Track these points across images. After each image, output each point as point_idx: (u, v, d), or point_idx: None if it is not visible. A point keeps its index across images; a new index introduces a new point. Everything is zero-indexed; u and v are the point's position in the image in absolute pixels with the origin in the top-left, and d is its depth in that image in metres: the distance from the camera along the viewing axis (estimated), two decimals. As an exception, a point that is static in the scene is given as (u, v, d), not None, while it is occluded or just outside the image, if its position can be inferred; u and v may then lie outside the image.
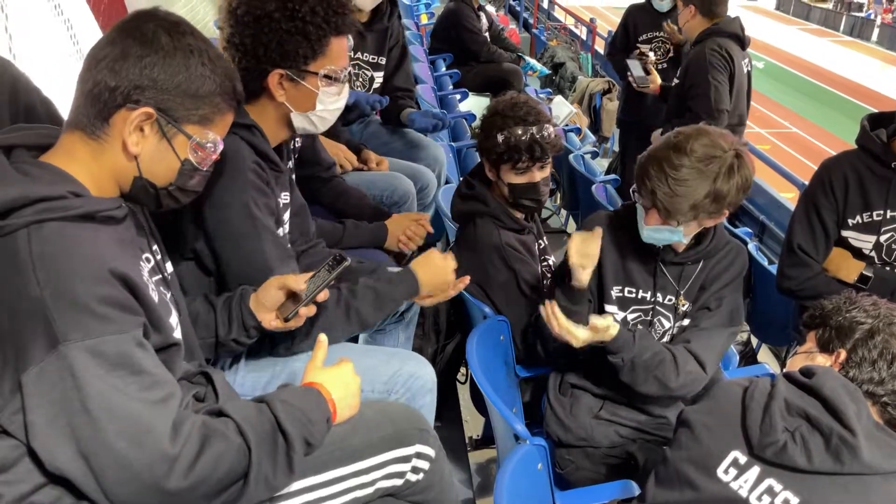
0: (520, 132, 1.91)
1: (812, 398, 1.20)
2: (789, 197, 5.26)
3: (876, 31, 25.15)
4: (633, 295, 1.82)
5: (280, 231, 1.62)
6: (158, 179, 1.18)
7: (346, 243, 2.08)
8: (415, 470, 1.32)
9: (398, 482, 1.31)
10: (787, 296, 2.31)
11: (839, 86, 18.30)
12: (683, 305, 1.80)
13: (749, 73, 3.45)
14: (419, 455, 1.32)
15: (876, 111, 2.26)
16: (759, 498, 1.20)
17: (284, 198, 1.67)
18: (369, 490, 1.28)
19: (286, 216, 1.70)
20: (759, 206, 5.14)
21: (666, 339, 1.82)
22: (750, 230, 4.25)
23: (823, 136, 14.33)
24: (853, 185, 2.11)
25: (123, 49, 1.10)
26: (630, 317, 1.83)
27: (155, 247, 1.26)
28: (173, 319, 1.24)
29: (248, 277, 1.49)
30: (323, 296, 1.41)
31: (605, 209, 3.26)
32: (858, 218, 2.13)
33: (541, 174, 1.99)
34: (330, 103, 1.59)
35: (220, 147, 1.22)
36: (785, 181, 4.94)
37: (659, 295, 1.81)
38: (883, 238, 2.14)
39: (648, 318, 1.82)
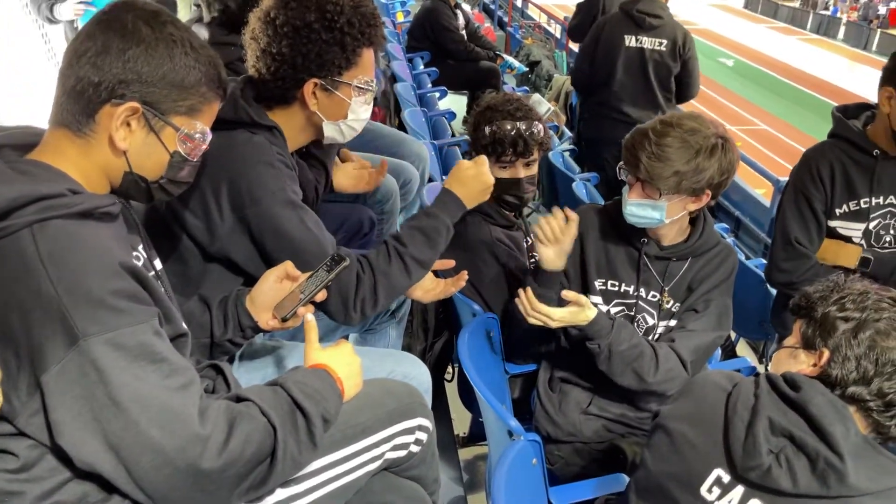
0: (508, 126, 1.93)
1: (797, 415, 1.16)
2: (762, 192, 5.36)
3: (842, 29, 25.59)
4: (617, 288, 1.83)
5: None
6: (149, 173, 1.17)
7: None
8: (417, 442, 1.37)
9: (402, 453, 1.36)
10: (783, 289, 2.33)
11: (807, 83, 18.59)
12: (668, 303, 1.82)
13: (643, 50, 3.92)
14: (420, 427, 1.37)
15: (840, 105, 2.29)
16: None
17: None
18: (379, 462, 1.33)
19: None
20: (733, 201, 5.22)
21: (652, 337, 1.84)
22: (726, 226, 4.31)
23: (793, 133, 14.56)
24: (838, 174, 2.15)
25: (104, 43, 1.08)
26: (613, 310, 1.84)
27: (142, 245, 1.25)
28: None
29: (304, 264, 1.46)
30: (321, 296, 1.41)
31: (586, 206, 3.29)
32: (845, 207, 2.17)
33: (525, 171, 2.00)
34: (361, 112, 1.62)
35: (209, 137, 1.21)
36: (758, 177, 5.02)
37: (642, 290, 1.82)
38: (872, 225, 2.18)
39: (631, 312, 1.83)
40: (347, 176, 2.28)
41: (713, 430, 1.22)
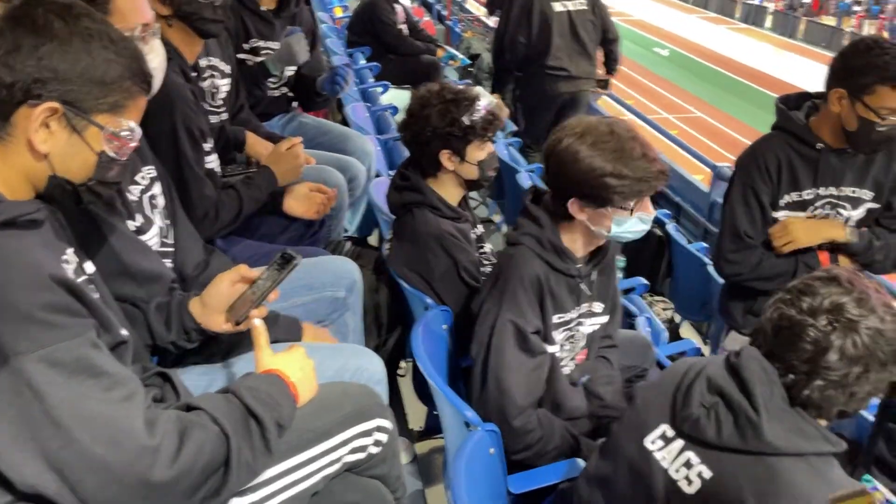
0: (480, 107, 1.96)
1: (732, 377, 1.24)
2: (700, 178, 5.51)
3: (769, 18, 26.43)
4: (563, 319, 1.75)
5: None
6: (75, 175, 1.12)
7: (250, 208, 2.12)
8: (376, 443, 1.35)
9: (361, 456, 1.34)
10: (731, 279, 2.37)
11: (738, 71, 19.15)
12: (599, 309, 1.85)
13: (570, 12, 4.48)
14: (379, 428, 1.35)
15: (779, 95, 2.36)
16: (678, 470, 1.26)
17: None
18: (336, 466, 1.30)
19: None
20: (674, 188, 5.34)
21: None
22: (668, 212, 4.41)
23: (726, 120, 15.00)
24: (784, 166, 2.20)
25: (14, 40, 1.02)
26: (559, 336, 1.77)
27: (71, 249, 1.19)
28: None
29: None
30: (273, 296, 1.39)
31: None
32: (788, 197, 2.23)
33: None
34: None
35: (139, 133, 1.16)
36: (695, 164, 5.16)
37: (585, 308, 1.80)
38: (816, 215, 2.25)
39: (574, 332, 1.82)
40: (299, 201, 2.28)
41: (668, 389, 1.32)
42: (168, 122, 1.86)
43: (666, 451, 1.29)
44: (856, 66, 2.02)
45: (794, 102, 2.27)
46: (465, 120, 1.95)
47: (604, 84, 4.98)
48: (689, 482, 1.25)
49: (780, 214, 2.24)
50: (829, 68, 2.12)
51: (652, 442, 1.31)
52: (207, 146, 2.07)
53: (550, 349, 1.73)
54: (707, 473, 1.23)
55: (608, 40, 4.75)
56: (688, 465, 1.26)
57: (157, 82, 1.60)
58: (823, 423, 1.23)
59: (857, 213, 2.27)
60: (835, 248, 2.27)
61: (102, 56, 1.08)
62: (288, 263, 1.37)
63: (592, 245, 1.74)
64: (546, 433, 1.69)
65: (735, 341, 2.45)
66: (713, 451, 1.24)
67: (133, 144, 1.16)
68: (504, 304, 1.65)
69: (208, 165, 2.08)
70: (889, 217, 2.28)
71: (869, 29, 24.57)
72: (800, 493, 1.16)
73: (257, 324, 1.32)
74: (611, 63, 4.84)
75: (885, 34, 22.12)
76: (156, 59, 1.57)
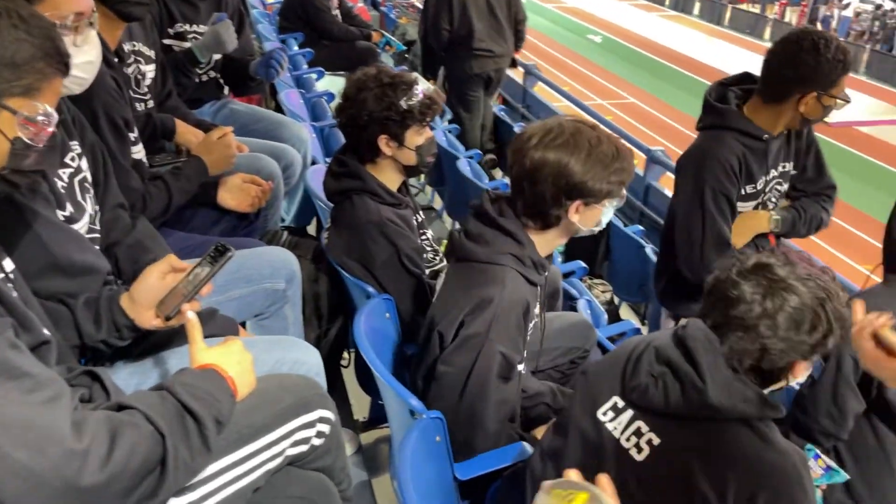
0: (418, 91, 1.93)
1: (679, 348, 1.29)
2: (635, 163, 5.61)
3: (697, 6, 27.08)
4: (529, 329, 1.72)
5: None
6: None
7: (180, 200, 2.06)
8: (319, 434, 1.33)
9: (304, 448, 1.31)
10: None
11: (669, 57, 19.58)
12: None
13: None
14: (322, 420, 1.33)
15: (709, 83, 2.40)
16: (628, 438, 1.30)
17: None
18: (279, 460, 1.27)
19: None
20: (610, 172, 5.41)
21: None
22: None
23: (658, 105, 15.33)
24: (742, 163, 2.24)
25: None
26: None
27: None
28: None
29: None
30: (207, 289, 1.33)
31: (472, 184, 3.32)
32: (744, 190, 2.29)
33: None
34: (79, 54, 1.44)
35: (55, 118, 1.10)
36: (630, 149, 5.24)
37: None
38: (765, 198, 2.35)
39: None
40: (232, 193, 2.22)
41: (620, 363, 1.36)
42: (88, 111, 1.76)
43: (616, 421, 1.33)
44: (823, 67, 2.09)
45: (718, 97, 2.30)
46: (403, 104, 1.92)
47: (513, 61, 5.30)
48: (640, 450, 1.29)
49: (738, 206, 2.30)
50: (787, 74, 2.13)
51: (604, 413, 1.35)
52: (132, 136, 1.98)
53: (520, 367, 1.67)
54: (656, 440, 1.28)
55: (517, 21, 5.04)
56: (637, 433, 1.30)
57: (90, 76, 1.51)
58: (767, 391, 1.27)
59: (787, 185, 2.39)
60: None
61: (12, 36, 1.01)
62: (222, 255, 1.32)
63: (561, 244, 1.75)
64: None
65: (671, 321, 2.51)
66: (661, 419, 1.28)
67: (50, 129, 1.09)
68: (492, 331, 1.56)
69: (134, 156, 1.99)
70: (805, 180, 2.40)
71: (791, 16, 25.47)
72: (744, 455, 1.21)
73: (191, 317, 1.27)
74: (518, 42, 5.13)
75: (805, 22, 22.98)
76: (92, 51, 1.49)
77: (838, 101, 2.14)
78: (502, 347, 1.57)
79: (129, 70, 2.27)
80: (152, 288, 1.33)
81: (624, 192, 1.63)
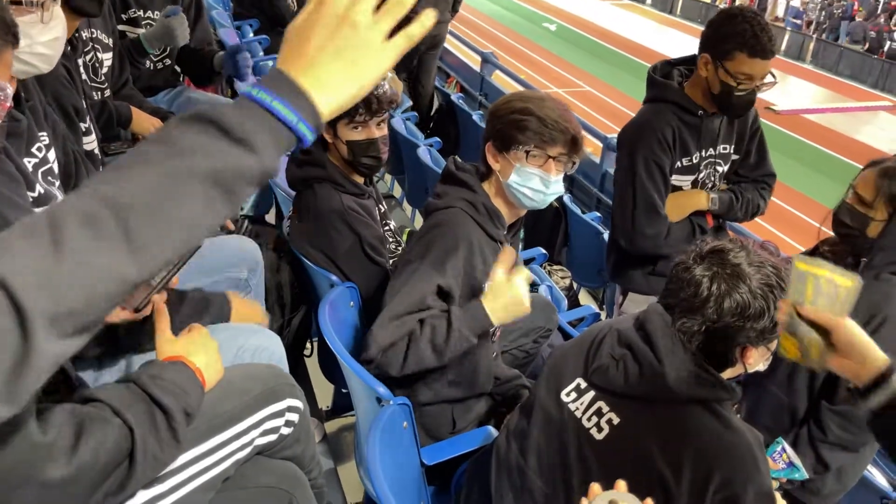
0: None
1: (638, 331, 1.34)
2: (590, 150, 5.67)
3: (649, -5, 27.38)
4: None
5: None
6: None
7: None
8: (288, 423, 1.33)
9: (273, 438, 1.31)
10: (643, 253, 2.42)
11: (622, 45, 19.78)
12: None
13: None
14: (290, 409, 1.33)
15: (652, 66, 2.45)
16: (590, 419, 1.34)
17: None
18: (248, 450, 1.27)
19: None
20: (567, 160, 5.46)
21: None
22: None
23: (612, 93, 15.49)
24: (676, 135, 2.31)
25: None
26: None
27: None
28: None
29: None
30: (174, 281, 1.32)
31: (432, 172, 3.32)
32: (680, 163, 2.34)
33: (379, 132, 1.98)
34: (37, 34, 1.41)
35: (10, 91, 1.07)
36: (586, 136, 5.29)
37: None
38: (701, 176, 2.40)
39: None
40: None
41: (584, 346, 1.41)
42: (37, 99, 1.72)
43: (579, 402, 1.36)
44: (719, 33, 2.15)
45: (662, 73, 2.37)
46: None
47: None
48: (600, 429, 1.33)
49: (672, 179, 2.36)
50: (701, 38, 2.23)
51: (567, 394, 1.39)
52: (84, 125, 1.93)
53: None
54: (616, 420, 1.32)
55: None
56: (598, 413, 1.34)
57: (57, 53, 1.47)
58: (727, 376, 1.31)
59: (725, 168, 2.45)
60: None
61: None
62: None
63: (512, 214, 1.77)
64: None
65: (634, 303, 2.56)
66: (621, 399, 1.33)
67: (6, 105, 1.06)
68: (428, 258, 1.64)
69: (87, 146, 1.94)
70: (746, 166, 2.46)
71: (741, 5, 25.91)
72: (699, 436, 1.25)
73: (160, 306, 1.25)
74: (456, 6, 5.30)
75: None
76: (58, 26, 1.45)
77: (738, 81, 2.13)
78: (439, 278, 1.62)
79: (87, 58, 2.23)
80: None
81: (549, 165, 1.66)
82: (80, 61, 2.26)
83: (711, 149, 2.37)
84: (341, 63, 0.72)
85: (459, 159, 1.79)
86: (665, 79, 2.33)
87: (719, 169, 2.44)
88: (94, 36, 2.27)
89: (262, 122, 0.69)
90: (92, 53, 2.26)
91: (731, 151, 2.43)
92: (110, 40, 2.37)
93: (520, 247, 3.27)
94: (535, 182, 1.66)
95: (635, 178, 2.31)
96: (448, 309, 1.63)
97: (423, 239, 1.69)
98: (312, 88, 0.71)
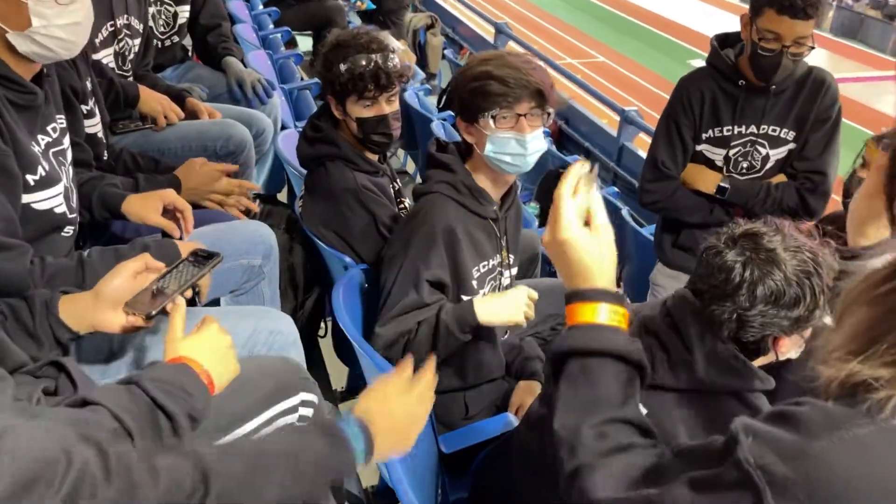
0: (363, 62, 1.82)
1: (665, 320, 1.27)
2: (606, 122, 5.57)
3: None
4: (488, 266, 1.75)
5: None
6: None
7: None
8: (301, 419, 1.28)
9: None
10: (650, 209, 2.47)
11: (639, 16, 19.44)
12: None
13: None
14: (304, 403, 1.29)
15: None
16: None
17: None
18: None
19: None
20: (582, 132, 5.38)
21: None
22: (577, 155, 4.43)
23: (628, 65, 15.26)
24: (707, 101, 2.25)
25: None
26: (487, 289, 1.77)
27: None
28: None
29: None
30: (188, 293, 1.27)
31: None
32: (710, 132, 2.28)
33: (389, 107, 1.91)
34: (53, 17, 1.34)
35: None
36: (599, 108, 5.20)
37: (500, 258, 1.78)
38: (732, 152, 2.30)
39: (497, 281, 1.79)
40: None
41: None
42: (57, 84, 1.65)
43: None
44: None
45: (731, 40, 2.30)
46: (340, 68, 1.84)
47: None
48: None
49: (701, 147, 2.31)
50: None
51: None
52: (85, 108, 1.86)
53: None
54: (643, 410, 1.24)
55: None
56: None
57: (79, 39, 1.41)
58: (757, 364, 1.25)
59: (777, 153, 2.30)
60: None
61: None
62: (209, 260, 1.31)
63: (500, 185, 1.72)
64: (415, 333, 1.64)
65: (661, 273, 2.54)
66: (647, 390, 1.23)
67: None
68: (410, 253, 1.63)
69: (89, 130, 1.87)
70: (800, 157, 2.29)
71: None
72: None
73: (179, 300, 1.20)
74: None
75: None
76: (80, 10, 1.38)
77: (762, 38, 2.05)
78: (417, 261, 1.62)
79: (119, 46, 2.24)
80: (123, 286, 1.22)
81: (521, 125, 1.59)
82: (113, 49, 2.27)
83: (753, 126, 2.25)
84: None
85: (442, 139, 1.75)
86: (726, 48, 2.26)
87: (762, 151, 2.29)
88: (128, 23, 2.28)
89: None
90: (125, 41, 2.26)
91: (785, 136, 2.27)
92: (141, 26, 2.39)
93: (535, 223, 3.21)
94: (512, 146, 1.60)
95: (657, 132, 2.36)
96: (441, 305, 1.63)
97: (406, 229, 1.68)
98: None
